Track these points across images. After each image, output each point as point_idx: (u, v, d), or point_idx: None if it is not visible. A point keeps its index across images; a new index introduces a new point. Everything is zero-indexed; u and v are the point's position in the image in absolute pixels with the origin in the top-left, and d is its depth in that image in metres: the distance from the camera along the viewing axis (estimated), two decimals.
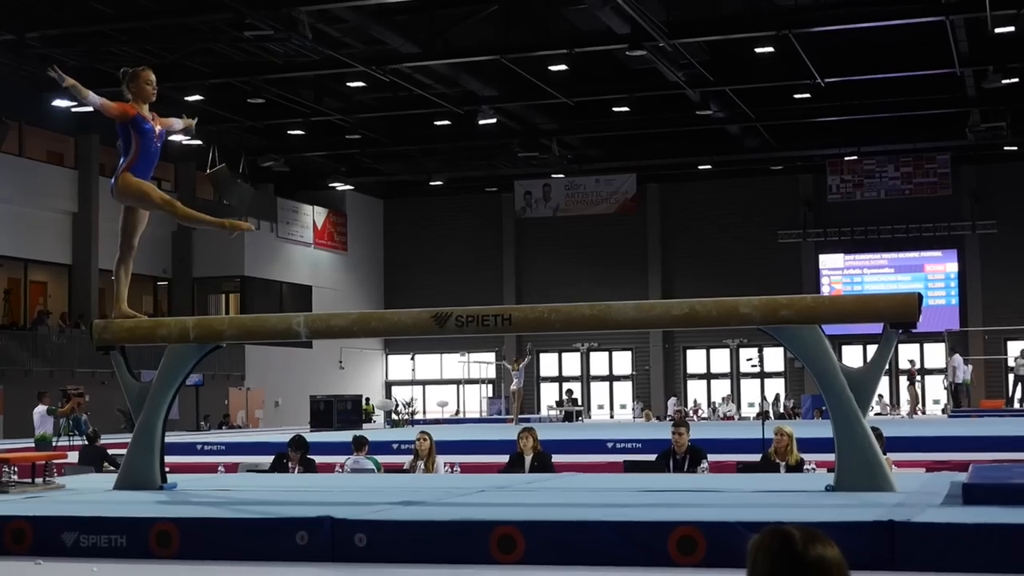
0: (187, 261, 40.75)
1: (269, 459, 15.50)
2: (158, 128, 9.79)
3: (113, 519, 8.06)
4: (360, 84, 33.54)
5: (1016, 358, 37.50)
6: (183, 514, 8.30)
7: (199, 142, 37.62)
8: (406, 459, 14.92)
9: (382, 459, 15.64)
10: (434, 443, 14.20)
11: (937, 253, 44.52)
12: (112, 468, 16.24)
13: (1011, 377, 38.20)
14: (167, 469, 10.40)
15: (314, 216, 45.07)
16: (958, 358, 36.22)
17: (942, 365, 37.36)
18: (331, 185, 45.63)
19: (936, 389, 41.95)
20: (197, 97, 33.40)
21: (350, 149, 41.42)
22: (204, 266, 40.96)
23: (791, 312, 8.98)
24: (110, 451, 18.27)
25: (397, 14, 28.16)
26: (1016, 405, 36.15)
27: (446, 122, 37.69)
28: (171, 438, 15.06)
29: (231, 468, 16.30)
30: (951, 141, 39.50)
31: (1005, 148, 40.55)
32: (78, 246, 36.53)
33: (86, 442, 19.59)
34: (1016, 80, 32.28)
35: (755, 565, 3.05)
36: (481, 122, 35.45)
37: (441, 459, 14.45)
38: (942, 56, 30.03)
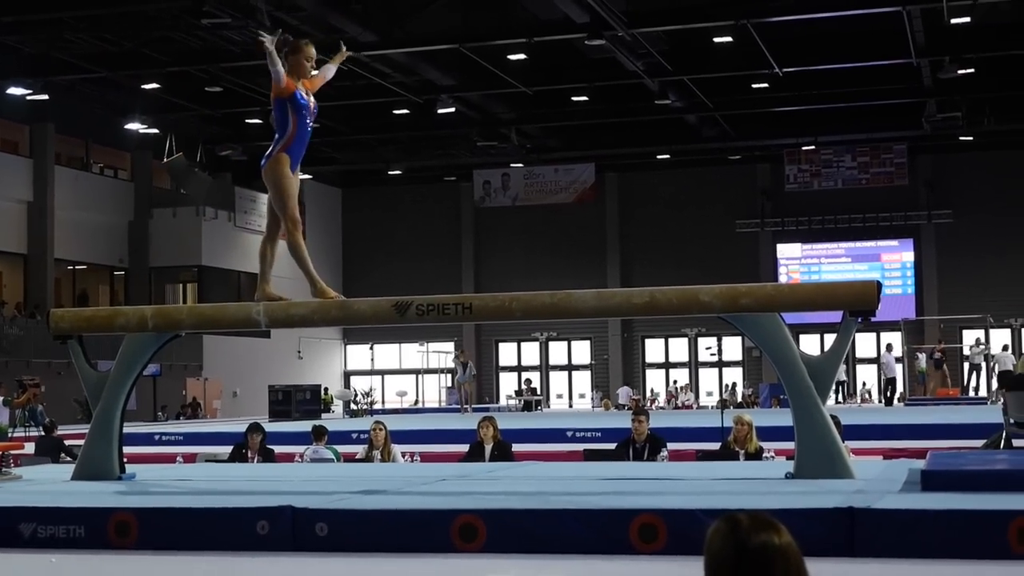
0: (144, 251, 40.43)
1: (228, 449, 15.45)
2: (313, 103, 9.31)
3: (71, 509, 8.00)
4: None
5: (971, 347, 37.84)
6: (142, 504, 8.25)
7: (156, 131, 37.36)
8: (361, 448, 14.86)
9: (341, 448, 15.62)
10: (389, 433, 14.18)
11: (893, 242, 44.82)
12: (69, 459, 16.16)
13: (966, 366, 38.52)
14: (125, 459, 10.34)
15: None
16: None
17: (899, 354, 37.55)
18: None
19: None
20: (154, 85, 33.18)
21: None
22: (161, 256, 40.65)
23: (751, 300, 9.02)
24: (67, 442, 18.20)
25: (355, 2, 28.04)
26: (971, 393, 36.49)
27: (405, 111, 37.57)
28: (129, 428, 14.96)
29: (189, 458, 16.24)
30: (907, 131, 39.72)
31: (961, 138, 40.79)
32: (33, 235, 36.19)
33: (42, 432, 19.46)
34: (972, 70, 32.45)
35: (709, 550, 3.12)
36: (440, 111, 35.37)
37: (398, 448, 14.41)
38: (899, 47, 30.21)
